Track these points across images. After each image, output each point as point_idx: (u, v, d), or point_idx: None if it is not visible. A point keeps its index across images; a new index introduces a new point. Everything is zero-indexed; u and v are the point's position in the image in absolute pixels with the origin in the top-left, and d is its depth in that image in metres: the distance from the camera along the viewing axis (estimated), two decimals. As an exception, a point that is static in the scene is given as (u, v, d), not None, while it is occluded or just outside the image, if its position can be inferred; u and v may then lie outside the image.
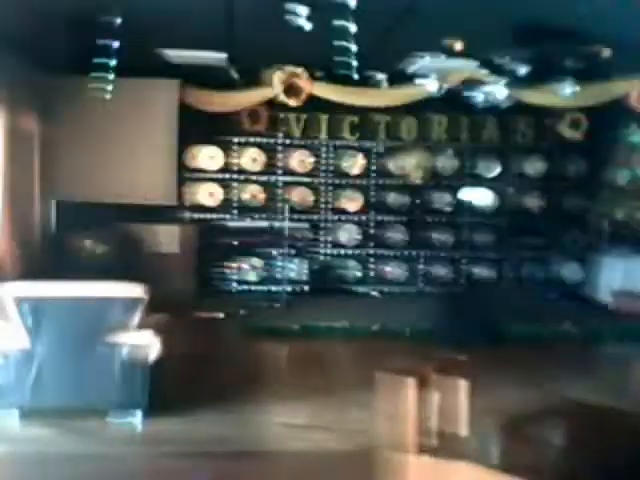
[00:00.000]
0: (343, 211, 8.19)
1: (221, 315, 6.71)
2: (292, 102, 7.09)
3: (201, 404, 4.14)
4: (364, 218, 8.24)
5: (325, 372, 5.09)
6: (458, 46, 5.44)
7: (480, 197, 8.24)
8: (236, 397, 4.36)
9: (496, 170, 8.30)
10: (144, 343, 3.78)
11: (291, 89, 7.04)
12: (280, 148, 8.13)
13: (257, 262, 8.03)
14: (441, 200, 8.27)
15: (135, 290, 3.83)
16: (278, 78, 6.92)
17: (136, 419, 3.80)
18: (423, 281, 8.26)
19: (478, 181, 8.29)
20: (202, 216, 7.98)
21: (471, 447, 2.27)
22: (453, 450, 2.20)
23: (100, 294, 3.83)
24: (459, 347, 5.47)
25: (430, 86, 6.43)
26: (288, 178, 8.14)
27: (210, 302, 7.02)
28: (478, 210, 8.25)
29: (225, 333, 6.19)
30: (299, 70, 6.99)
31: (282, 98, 7.03)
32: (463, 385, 2.32)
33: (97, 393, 3.77)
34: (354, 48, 5.26)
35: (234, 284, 8.03)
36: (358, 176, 8.24)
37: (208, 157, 7.97)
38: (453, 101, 7.29)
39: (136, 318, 3.80)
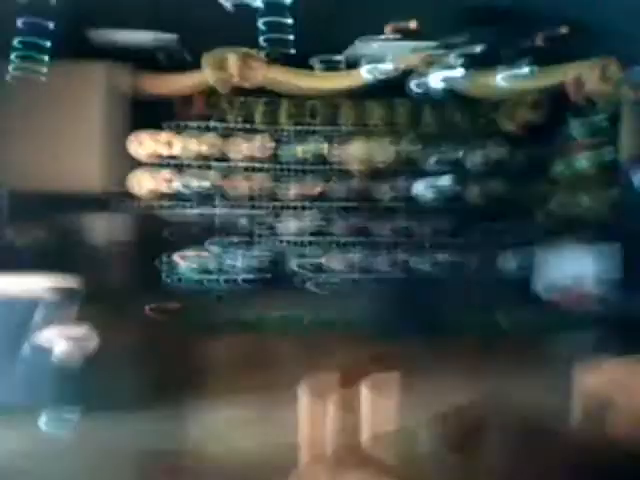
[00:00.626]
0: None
1: (159, 308, 6.45)
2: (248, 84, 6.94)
3: (134, 403, 4.09)
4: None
5: (258, 369, 5.07)
6: (413, 25, 5.41)
7: (420, 186, 8.32)
8: (170, 395, 4.34)
9: (433, 158, 8.31)
10: (79, 337, 3.67)
11: (245, 71, 6.94)
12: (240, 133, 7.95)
13: (205, 252, 7.85)
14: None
15: (67, 282, 3.69)
16: (231, 60, 6.77)
17: (70, 417, 3.70)
18: (361, 271, 8.16)
19: (418, 170, 8.30)
20: (149, 204, 7.77)
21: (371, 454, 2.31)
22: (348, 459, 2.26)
23: (29, 287, 3.68)
24: (393, 339, 5.62)
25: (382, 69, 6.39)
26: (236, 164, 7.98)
27: (151, 295, 6.76)
28: (420, 200, 8.27)
29: (163, 328, 5.99)
30: (253, 51, 6.84)
31: (236, 80, 6.86)
32: (392, 384, 2.36)
33: (29, 391, 3.66)
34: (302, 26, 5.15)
35: (177, 276, 7.85)
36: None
37: (159, 143, 7.81)
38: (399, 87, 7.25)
39: (70, 311, 3.68)
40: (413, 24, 5.49)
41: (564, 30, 5.64)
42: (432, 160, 8.33)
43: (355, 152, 8.11)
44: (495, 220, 8.31)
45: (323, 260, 8.15)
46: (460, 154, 8.39)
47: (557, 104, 7.51)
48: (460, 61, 5.88)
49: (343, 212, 8.23)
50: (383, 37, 6.02)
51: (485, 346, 5.75)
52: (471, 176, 8.41)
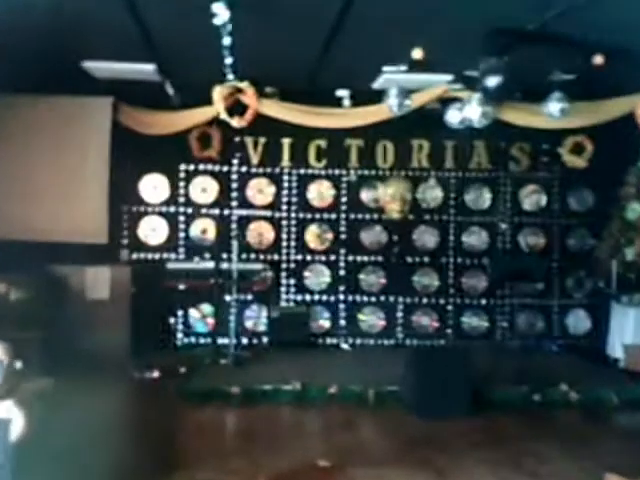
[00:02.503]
0: (309, 250, 8.00)
1: (156, 374, 6.47)
2: (235, 122, 6.75)
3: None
4: (334, 259, 7.98)
5: (252, 448, 4.66)
6: (418, 55, 5.12)
7: (469, 235, 8.10)
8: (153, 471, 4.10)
9: (487, 202, 8.11)
10: (4, 417, 3.24)
11: (235, 107, 6.83)
12: (235, 177, 7.95)
13: (206, 310, 7.80)
14: (423, 237, 8.05)
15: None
16: (218, 94, 6.56)
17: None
18: (402, 332, 8.01)
19: (466, 215, 8.10)
20: (142, 256, 7.80)
21: None
22: None
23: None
24: (432, 417, 5.17)
25: (398, 104, 6.08)
26: (244, 211, 7.93)
27: (148, 358, 6.78)
28: (467, 250, 8.09)
29: (159, 396, 5.93)
30: (243, 85, 6.72)
31: (223, 117, 6.69)
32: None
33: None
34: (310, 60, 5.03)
35: (178, 337, 7.81)
36: (324, 209, 8.03)
37: (150, 187, 7.85)
38: (433, 122, 7.14)
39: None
40: (418, 54, 5.15)
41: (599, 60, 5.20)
42: (484, 202, 8.16)
43: (393, 194, 7.93)
44: (559, 272, 8.11)
45: (356, 318, 8.00)
46: (517, 195, 8.20)
47: (630, 136, 7.01)
48: (500, 86, 5.45)
49: (380, 263, 8.07)
50: (405, 68, 5.93)
51: (540, 425, 5.29)
52: (532, 221, 8.22)
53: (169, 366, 6.58)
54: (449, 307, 8.03)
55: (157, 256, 7.78)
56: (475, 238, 8.07)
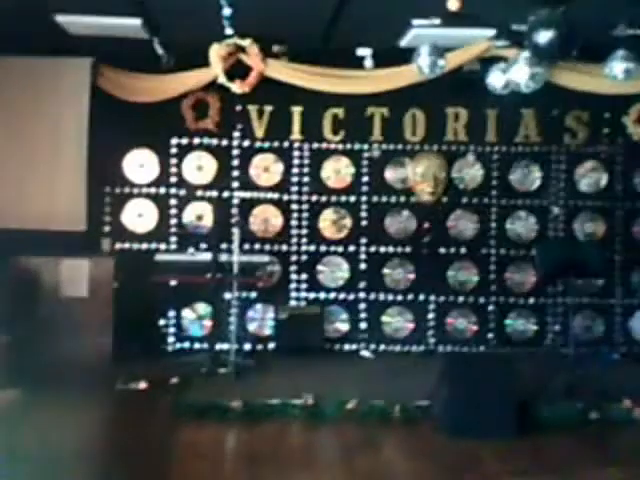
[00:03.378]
0: (324, 239, 8.03)
1: (143, 386, 6.50)
2: (236, 87, 6.75)
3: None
4: (353, 250, 8.00)
5: (256, 474, 4.66)
6: (454, 5, 5.10)
7: (515, 221, 8.13)
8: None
9: (536, 182, 8.09)
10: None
11: (236, 69, 6.85)
12: (236, 152, 7.98)
13: (202, 310, 7.87)
14: (460, 224, 8.05)
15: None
16: (216, 53, 6.55)
17: None
18: (434, 337, 8.03)
19: (511, 197, 8.10)
20: (127, 246, 7.86)
21: None
22: None
23: None
24: (468, 437, 5.18)
25: (430, 65, 6.04)
26: (247, 194, 7.97)
27: (133, 367, 6.82)
28: (512, 239, 8.11)
29: (147, 412, 5.95)
30: (246, 42, 6.67)
31: (222, 81, 6.69)
32: None
33: None
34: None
35: (169, 342, 7.88)
36: (341, 191, 8.04)
37: (137, 165, 7.90)
38: (472, 87, 7.14)
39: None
40: (454, 4, 5.14)
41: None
42: (533, 183, 8.16)
43: (424, 173, 7.98)
44: (625, 266, 8.15)
45: (380, 320, 8.04)
46: (572, 174, 8.23)
47: None
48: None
49: (408, 255, 8.11)
50: (439, 22, 5.95)
51: (600, 447, 5.27)
52: (590, 204, 8.24)
53: (159, 376, 6.59)
54: (490, 307, 8.05)
55: (144, 246, 7.83)
56: (522, 225, 8.07)
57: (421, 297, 8.00)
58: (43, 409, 5.18)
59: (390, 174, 8.03)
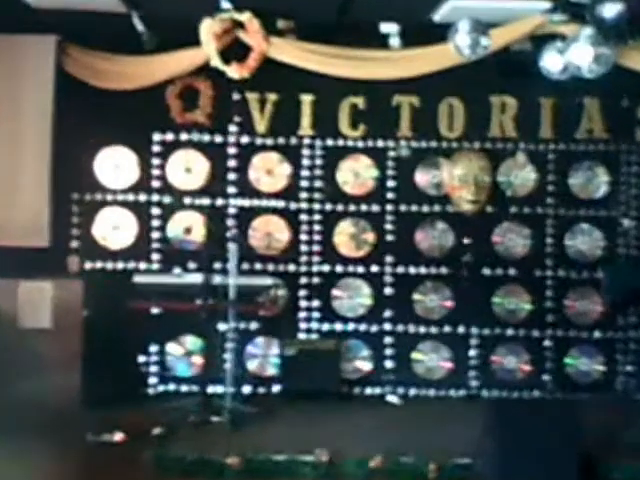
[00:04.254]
0: (340, 257, 8.06)
1: (119, 437, 6.47)
2: (233, 71, 6.80)
3: None
4: (376, 270, 8.01)
5: None
6: None
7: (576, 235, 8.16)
8: None
9: (602, 188, 8.10)
10: None
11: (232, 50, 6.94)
12: (233, 151, 8.03)
13: (191, 345, 7.90)
14: (508, 239, 8.06)
15: None
16: (208, 31, 6.60)
17: None
18: (477, 379, 8.00)
19: (571, 207, 8.11)
20: (100, 265, 7.92)
21: None
22: None
23: None
24: None
25: (470, 45, 6.07)
26: (246, 201, 8.01)
27: (108, 414, 6.81)
28: (573, 258, 8.12)
29: (124, 469, 5.87)
30: (244, 17, 6.70)
31: (216, 64, 6.75)
32: None
33: None
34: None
35: (151, 383, 7.91)
36: (364, 198, 8.06)
37: (111, 165, 7.97)
38: (523, 71, 7.19)
39: None
40: None
41: None
42: (599, 188, 8.22)
43: (463, 177, 8.02)
44: None
45: (410, 357, 8.09)
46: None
47: None
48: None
49: (445, 277, 8.15)
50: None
51: None
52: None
53: (138, 426, 6.57)
54: (546, 342, 8.07)
55: (120, 265, 7.88)
56: (584, 240, 8.10)
57: (460, 329, 8.00)
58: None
59: (422, 178, 8.06)
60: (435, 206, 8.02)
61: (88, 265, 7.79)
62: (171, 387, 7.84)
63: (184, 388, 7.81)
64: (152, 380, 7.84)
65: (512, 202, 8.04)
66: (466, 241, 7.99)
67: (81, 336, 7.03)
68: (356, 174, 8.04)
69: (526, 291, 8.03)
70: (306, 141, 8.04)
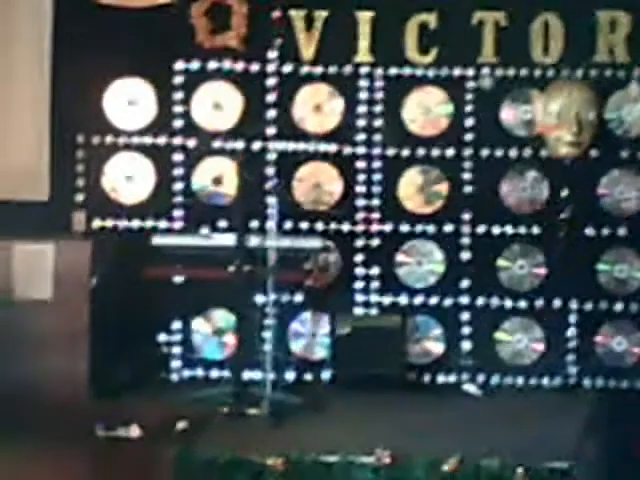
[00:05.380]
0: (406, 214, 8.06)
1: (135, 432, 6.58)
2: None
3: None
4: (451, 230, 8.01)
5: None
6: None
7: None
8: None
9: None
10: None
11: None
12: (273, 82, 8.05)
13: (223, 321, 7.96)
14: (617, 191, 8.01)
15: None
16: None
17: None
18: (577, 364, 7.95)
19: None
20: (111, 223, 8.01)
21: None
22: None
23: None
24: None
25: None
26: (289, 145, 8.05)
27: (122, 404, 6.97)
28: None
29: (142, 471, 6.00)
30: None
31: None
32: None
33: None
34: None
35: (174, 367, 8.02)
36: (435, 140, 8.01)
37: (124, 101, 8.04)
38: None
39: None
40: None
41: None
42: None
43: (561, 112, 7.97)
44: None
45: (492, 337, 8.12)
46: None
47: None
48: None
49: (537, 238, 8.17)
50: None
51: None
52: None
53: (158, 418, 6.68)
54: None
55: (136, 224, 7.98)
56: None
57: (556, 303, 7.99)
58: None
59: (508, 114, 8.04)
60: (525, 150, 8.00)
61: (96, 223, 7.90)
62: (198, 372, 7.97)
63: (214, 374, 7.93)
64: (175, 364, 7.96)
65: (623, 144, 7.98)
66: (564, 193, 7.97)
67: (88, 310, 7.16)
68: (426, 110, 8.02)
69: (638, 256, 8.02)
70: (363, 70, 8.04)
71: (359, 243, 8.02)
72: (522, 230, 7.99)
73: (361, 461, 5.80)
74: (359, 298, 8.02)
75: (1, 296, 6.91)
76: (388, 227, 8.02)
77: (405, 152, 7.98)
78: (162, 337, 7.92)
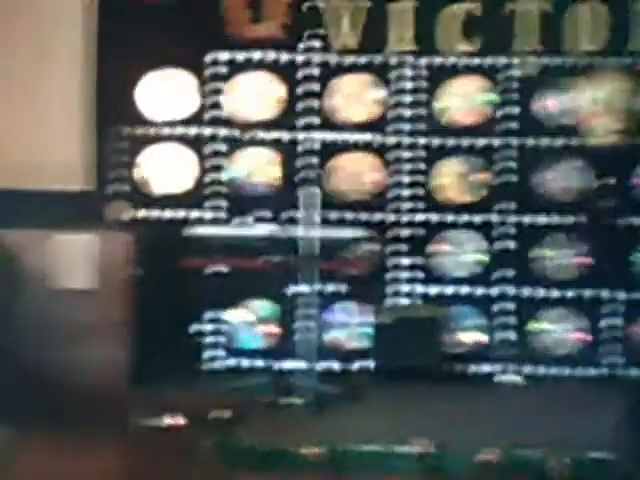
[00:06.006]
0: (449, 205, 8.08)
1: (176, 421, 6.60)
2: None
3: None
4: (494, 220, 7.98)
5: None
6: None
7: None
8: None
9: None
10: None
11: None
12: (312, 72, 8.06)
13: (262, 311, 8.01)
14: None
15: None
16: None
17: None
18: (617, 354, 7.93)
19: None
20: (148, 214, 8.08)
21: None
22: None
23: None
24: None
25: None
26: (329, 135, 8.05)
27: (161, 393, 6.98)
28: None
29: (184, 460, 6.00)
30: None
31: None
32: None
33: None
34: None
35: (214, 357, 8.04)
36: (474, 129, 8.01)
37: (160, 93, 8.09)
38: None
39: None
40: None
41: None
42: None
43: (605, 101, 8.00)
44: None
45: (532, 328, 8.09)
46: None
47: None
48: None
49: (579, 227, 8.13)
50: None
51: None
52: None
53: (197, 408, 6.70)
54: None
55: (174, 214, 8.02)
56: None
57: (597, 293, 7.95)
58: (32, 453, 5.32)
59: (551, 103, 7.99)
60: (568, 139, 7.94)
61: (137, 213, 7.96)
62: (237, 362, 7.97)
63: (254, 363, 7.94)
64: (215, 353, 8.00)
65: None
66: (609, 182, 7.93)
67: (129, 300, 7.12)
68: (467, 99, 8.03)
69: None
70: (405, 59, 8.02)
71: (398, 233, 8.01)
72: (565, 220, 7.96)
73: (400, 451, 5.78)
74: (399, 288, 8.01)
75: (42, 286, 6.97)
76: (428, 217, 8.00)
77: (447, 141, 7.97)
78: (201, 327, 7.94)
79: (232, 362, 7.97)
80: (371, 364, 7.85)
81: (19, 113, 7.22)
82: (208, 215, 8.00)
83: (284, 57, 7.99)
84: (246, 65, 8.00)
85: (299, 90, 8.01)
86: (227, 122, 8.01)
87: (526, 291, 7.97)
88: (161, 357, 7.37)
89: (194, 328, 7.96)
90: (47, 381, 6.59)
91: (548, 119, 7.98)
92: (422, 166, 8.00)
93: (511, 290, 7.97)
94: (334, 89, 8.01)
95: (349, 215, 7.98)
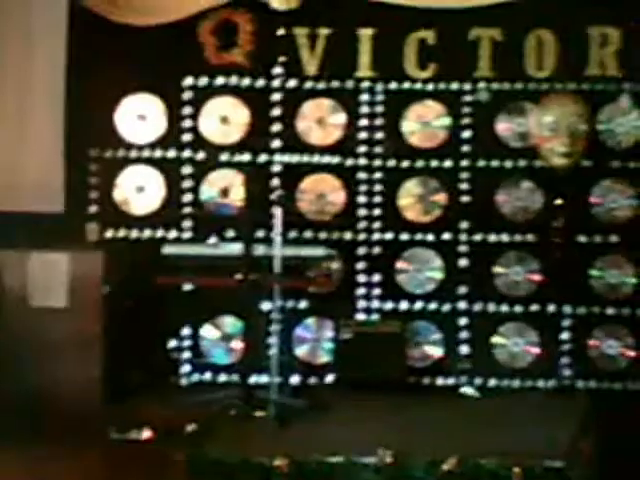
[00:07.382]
0: (407, 224, 8.08)
1: (147, 435, 6.58)
2: (277, 1, 6.83)
3: None
4: (449, 238, 8.04)
5: None
6: None
7: None
8: None
9: None
10: None
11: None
12: (278, 97, 8.08)
13: (230, 327, 8.00)
14: (609, 200, 8.00)
15: None
16: None
17: None
18: (571, 367, 7.94)
19: None
20: (122, 234, 8.05)
21: None
22: None
23: None
24: None
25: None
26: (294, 157, 8.07)
27: (133, 408, 6.97)
28: None
29: (154, 472, 5.96)
30: None
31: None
32: None
33: None
34: None
35: (184, 372, 8.03)
36: (433, 152, 8.04)
37: (135, 116, 8.07)
38: None
39: None
40: None
41: None
42: None
43: (555, 125, 7.89)
44: None
45: (489, 341, 8.09)
46: None
47: None
48: None
49: (532, 245, 8.14)
50: None
51: None
52: None
53: (169, 421, 6.65)
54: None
55: (147, 234, 8.01)
56: None
57: (551, 308, 7.97)
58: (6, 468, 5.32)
59: (504, 127, 8.04)
60: (520, 161, 8.00)
61: (109, 233, 7.94)
62: (207, 377, 7.96)
63: (222, 378, 7.92)
64: (185, 369, 7.97)
65: (614, 155, 7.96)
66: (558, 202, 7.95)
67: (101, 317, 7.08)
68: (425, 123, 8.04)
69: (630, 262, 7.94)
70: (365, 85, 8.06)
71: (361, 251, 8.02)
72: (517, 238, 7.98)
73: (364, 461, 5.75)
74: (361, 304, 8.02)
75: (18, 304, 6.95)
76: (388, 236, 8.01)
77: (405, 164, 7.99)
78: (172, 343, 7.92)
79: (202, 377, 7.96)
80: (334, 377, 7.86)
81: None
82: (180, 234, 8.00)
83: (249, 83, 8.01)
84: (214, 90, 8.00)
85: (264, 114, 8.02)
86: (196, 145, 8.01)
87: (482, 306, 7.98)
88: (133, 372, 7.38)
89: (168, 344, 7.93)
90: (22, 396, 6.57)
91: (501, 142, 8.01)
92: (382, 187, 8.02)
93: (467, 305, 7.98)
94: (297, 114, 8.03)
95: (312, 234, 7.97)
